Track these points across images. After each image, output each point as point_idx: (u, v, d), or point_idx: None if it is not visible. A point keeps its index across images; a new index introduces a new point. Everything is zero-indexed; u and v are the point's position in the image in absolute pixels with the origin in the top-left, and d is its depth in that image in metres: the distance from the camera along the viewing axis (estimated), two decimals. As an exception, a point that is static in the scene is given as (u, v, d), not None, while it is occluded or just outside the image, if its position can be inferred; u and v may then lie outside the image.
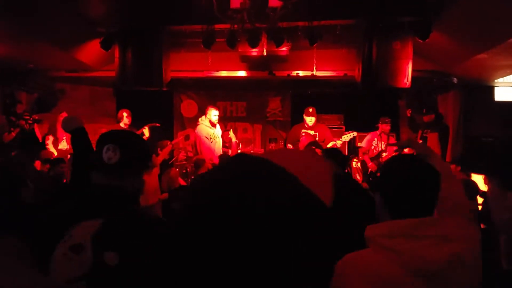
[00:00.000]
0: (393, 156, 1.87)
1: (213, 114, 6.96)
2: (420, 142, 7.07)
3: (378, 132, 6.99)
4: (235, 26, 5.35)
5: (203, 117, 7.12)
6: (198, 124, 7.14)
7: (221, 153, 6.92)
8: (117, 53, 6.57)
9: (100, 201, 1.61)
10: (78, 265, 1.31)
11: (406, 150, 2.49)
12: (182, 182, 6.57)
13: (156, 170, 5.90)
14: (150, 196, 5.58)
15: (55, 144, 7.49)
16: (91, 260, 1.31)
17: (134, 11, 5.99)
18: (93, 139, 7.55)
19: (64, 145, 7.71)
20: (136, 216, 1.59)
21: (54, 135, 7.51)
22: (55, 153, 7.17)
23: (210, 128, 7.00)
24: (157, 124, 7.43)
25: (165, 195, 5.85)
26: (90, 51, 6.73)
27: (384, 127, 6.93)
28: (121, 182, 1.67)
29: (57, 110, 8.07)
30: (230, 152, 7.03)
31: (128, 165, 1.70)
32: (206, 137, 6.97)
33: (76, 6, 5.56)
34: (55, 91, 8.37)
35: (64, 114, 7.67)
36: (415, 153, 2.10)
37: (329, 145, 6.33)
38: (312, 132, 6.66)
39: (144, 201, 5.46)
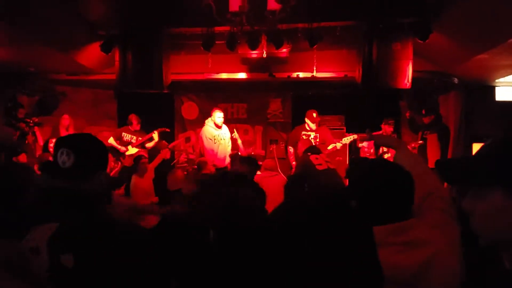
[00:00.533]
0: (363, 162, 1.84)
1: (217, 116, 6.98)
2: (420, 142, 7.10)
3: (380, 133, 6.99)
4: (235, 28, 5.34)
5: (209, 118, 7.15)
6: (204, 125, 7.17)
7: (228, 154, 6.96)
8: (117, 56, 6.58)
9: (56, 204, 1.61)
10: (36, 267, 1.35)
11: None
12: None
13: (149, 174, 5.94)
14: (141, 199, 5.63)
15: None
16: (48, 262, 1.36)
17: (134, 14, 6.01)
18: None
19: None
20: (93, 218, 1.60)
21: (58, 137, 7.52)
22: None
23: (215, 130, 7.02)
24: (167, 129, 7.57)
25: (156, 199, 5.90)
26: (91, 54, 6.74)
27: (387, 128, 6.98)
28: (77, 185, 1.68)
29: (58, 113, 8.08)
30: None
31: (82, 168, 1.71)
32: (209, 139, 6.98)
33: (76, 8, 5.57)
34: (56, 94, 8.38)
35: (66, 117, 7.71)
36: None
37: (330, 147, 6.35)
38: (313, 134, 6.66)
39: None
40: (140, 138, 7.31)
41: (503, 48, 5.66)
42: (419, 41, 5.93)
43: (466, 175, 1.12)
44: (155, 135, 7.28)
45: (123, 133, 7.32)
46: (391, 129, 7.01)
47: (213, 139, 6.98)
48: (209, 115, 7.26)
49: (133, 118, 7.38)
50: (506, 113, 7.72)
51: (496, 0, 4.76)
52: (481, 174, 1.07)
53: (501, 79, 7.47)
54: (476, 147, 7.80)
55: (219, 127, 7.02)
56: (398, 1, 5.61)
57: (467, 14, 5.34)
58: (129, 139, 7.30)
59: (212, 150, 6.96)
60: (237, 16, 4.17)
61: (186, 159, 7.94)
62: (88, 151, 1.77)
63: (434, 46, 6.19)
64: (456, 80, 7.41)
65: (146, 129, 7.48)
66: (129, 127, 7.38)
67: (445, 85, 7.58)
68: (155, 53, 6.51)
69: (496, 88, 7.79)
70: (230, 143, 7.16)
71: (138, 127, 7.41)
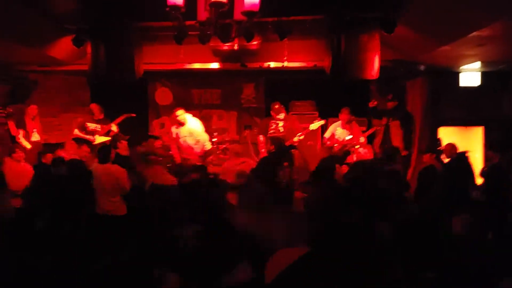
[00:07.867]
0: None
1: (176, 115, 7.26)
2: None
3: (340, 122, 7.25)
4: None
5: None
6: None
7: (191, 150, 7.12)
8: (89, 49, 6.55)
9: None
10: None
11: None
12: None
13: None
14: None
15: (27, 137, 7.46)
16: None
17: (104, 8, 5.98)
18: (69, 129, 7.61)
19: (36, 137, 7.67)
20: None
21: (24, 128, 7.47)
22: (28, 146, 7.21)
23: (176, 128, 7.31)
24: (133, 115, 7.58)
25: None
26: (62, 47, 6.70)
27: (342, 117, 7.18)
28: None
29: (31, 102, 8.03)
30: None
31: None
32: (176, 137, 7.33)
33: (45, 6, 5.53)
34: (28, 82, 8.32)
35: (33, 107, 7.65)
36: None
37: (295, 139, 6.62)
38: (281, 123, 6.88)
39: None
40: (105, 126, 7.34)
41: (464, 41, 5.91)
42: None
43: None
44: (114, 127, 7.29)
45: (87, 123, 7.30)
46: (347, 117, 7.19)
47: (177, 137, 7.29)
48: (183, 100, 7.42)
49: (95, 108, 7.37)
50: (469, 98, 8.06)
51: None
52: None
53: (465, 66, 7.74)
54: (442, 131, 8.15)
55: (182, 124, 7.23)
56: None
57: (429, 9, 5.52)
58: (94, 129, 7.29)
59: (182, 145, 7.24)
60: (205, 24, 4.26)
61: (161, 145, 8.06)
62: None
63: (400, 37, 6.37)
64: (422, 67, 7.66)
65: (118, 116, 7.49)
66: (92, 116, 7.36)
67: (411, 72, 7.83)
68: (126, 45, 6.52)
69: (460, 74, 8.06)
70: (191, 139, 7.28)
71: (101, 116, 7.39)
